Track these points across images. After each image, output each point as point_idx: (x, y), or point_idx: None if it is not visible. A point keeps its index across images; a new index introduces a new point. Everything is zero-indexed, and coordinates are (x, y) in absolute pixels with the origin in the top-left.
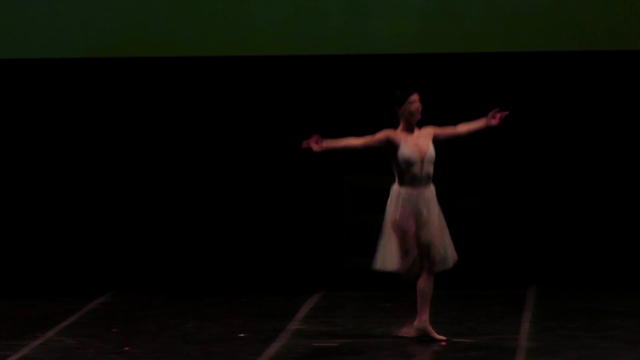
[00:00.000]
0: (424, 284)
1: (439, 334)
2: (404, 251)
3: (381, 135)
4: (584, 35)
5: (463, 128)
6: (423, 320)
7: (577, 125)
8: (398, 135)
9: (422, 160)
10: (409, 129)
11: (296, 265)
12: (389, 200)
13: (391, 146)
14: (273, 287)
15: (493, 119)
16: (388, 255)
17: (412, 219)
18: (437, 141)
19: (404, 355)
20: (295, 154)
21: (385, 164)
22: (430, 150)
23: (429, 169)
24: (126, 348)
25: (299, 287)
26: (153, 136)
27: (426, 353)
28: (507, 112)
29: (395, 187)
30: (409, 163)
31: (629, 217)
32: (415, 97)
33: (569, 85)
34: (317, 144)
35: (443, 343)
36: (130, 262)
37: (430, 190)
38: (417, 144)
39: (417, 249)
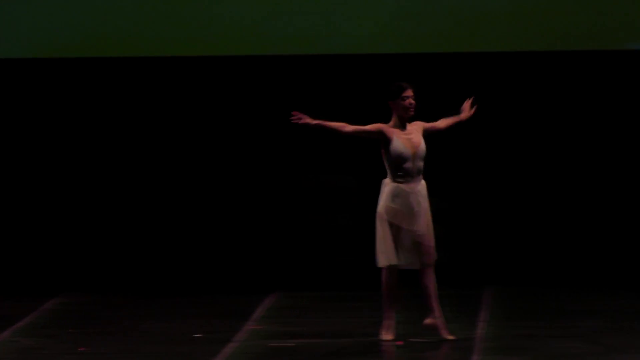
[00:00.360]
0: (426, 279)
1: (397, 333)
2: (391, 245)
3: (373, 126)
4: (550, 35)
5: (443, 123)
6: (436, 316)
7: (539, 126)
8: (390, 129)
9: (414, 156)
10: (401, 124)
11: (253, 266)
12: (381, 194)
13: (383, 140)
14: (230, 287)
15: (464, 114)
16: (389, 250)
17: (403, 214)
18: (425, 135)
19: (359, 356)
20: (255, 153)
21: (354, 161)
22: (422, 146)
23: (420, 164)
24: (81, 349)
25: (256, 287)
26: (116, 137)
27: (382, 353)
28: (474, 108)
29: (387, 182)
30: (401, 158)
31: (585, 216)
32: (409, 92)
33: (534, 86)
34: (301, 118)
35: (399, 343)
36: (86, 262)
37: (422, 186)
38: (410, 139)
39: (408, 244)
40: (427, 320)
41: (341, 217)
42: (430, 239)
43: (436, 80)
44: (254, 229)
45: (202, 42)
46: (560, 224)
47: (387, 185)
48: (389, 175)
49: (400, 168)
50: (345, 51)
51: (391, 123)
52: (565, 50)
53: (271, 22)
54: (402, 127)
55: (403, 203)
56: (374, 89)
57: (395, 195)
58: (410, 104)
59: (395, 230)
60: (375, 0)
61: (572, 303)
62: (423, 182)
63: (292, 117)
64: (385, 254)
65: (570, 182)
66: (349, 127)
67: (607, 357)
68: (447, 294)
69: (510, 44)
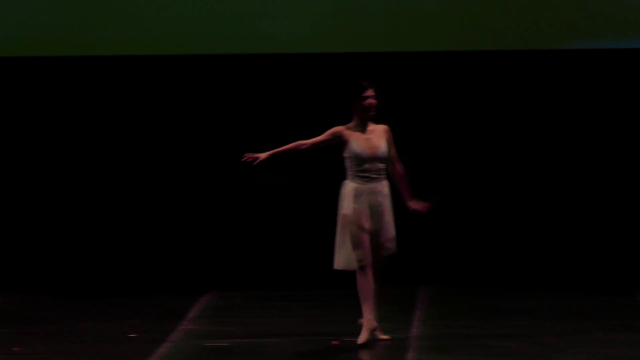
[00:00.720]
0: (372, 279)
1: (329, 333)
2: (356, 245)
3: (328, 133)
4: (486, 35)
5: (398, 172)
6: (371, 317)
7: (476, 124)
8: (348, 131)
9: (373, 156)
10: (362, 125)
11: (187, 265)
12: (341, 196)
13: (340, 142)
14: (164, 287)
15: (416, 206)
16: (346, 255)
17: (366, 215)
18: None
19: (295, 355)
20: (188, 153)
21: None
22: (382, 148)
23: (380, 165)
24: (15, 349)
25: (190, 287)
26: (43, 136)
27: (318, 352)
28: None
29: (347, 183)
30: (359, 159)
31: (516, 216)
32: (370, 92)
33: (469, 85)
34: (255, 159)
35: (335, 342)
36: (19, 262)
37: (383, 186)
38: (369, 139)
39: (367, 245)
40: (363, 320)
41: (275, 216)
42: (392, 241)
43: (372, 80)
44: (188, 228)
45: (139, 41)
46: (493, 223)
47: (347, 186)
48: (348, 177)
49: (358, 169)
50: (279, 51)
51: (352, 124)
52: (501, 50)
53: (205, 22)
54: (363, 127)
55: (364, 203)
56: (324, 89)
57: (356, 196)
58: (371, 104)
59: (355, 230)
60: (295, 1)
61: (505, 302)
62: (385, 182)
63: (244, 159)
64: (345, 257)
65: (501, 183)
66: (306, 144)
67: (545, 356)
68: (383, 292)
69: (447, 43)
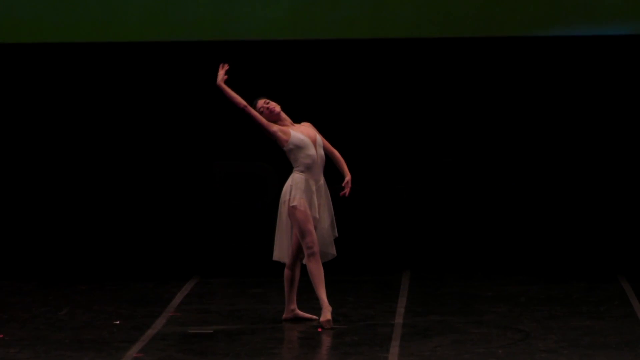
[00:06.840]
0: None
1: (313, 319)
2: (305, 233)
3: (275, 126)
4: (450, 21)
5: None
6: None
7: (440, 111)
8: (285, 127)
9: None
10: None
11: (171, 252)
12: (289, 188)
13: (280, 137)
14: (148, 274)
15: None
16: (282, 247)
17: (313, 204)
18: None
19: (277, 341)
20: (165, 141)
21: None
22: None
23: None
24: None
25: (173, 274)
26: (16, 126)
27: (300, 339)
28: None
29: (296, 175)
30: (305, 149)
31: (498, 204)
32: (262, 102)
33: (437, 72)
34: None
35: (320, 330)
36: None
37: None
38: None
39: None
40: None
41: (256, 203)
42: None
43: (347, 67)
44: (172, 216)
45: (97, 28)
46: (474, 211)
47: (297, 178)
48: (297, 169)
49: (305, 159)
50: (239, 37)
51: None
52: (462, 37)
53: (161, 9)
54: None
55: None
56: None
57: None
58: (271, 108)
59: (307, 220)
60: None
61: (485, 289)
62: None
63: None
64: (280, 249)
65: (478, 171)
66: (249, 108)
67: (527, 342)
68: (364, 280)
69: (408, 31)
